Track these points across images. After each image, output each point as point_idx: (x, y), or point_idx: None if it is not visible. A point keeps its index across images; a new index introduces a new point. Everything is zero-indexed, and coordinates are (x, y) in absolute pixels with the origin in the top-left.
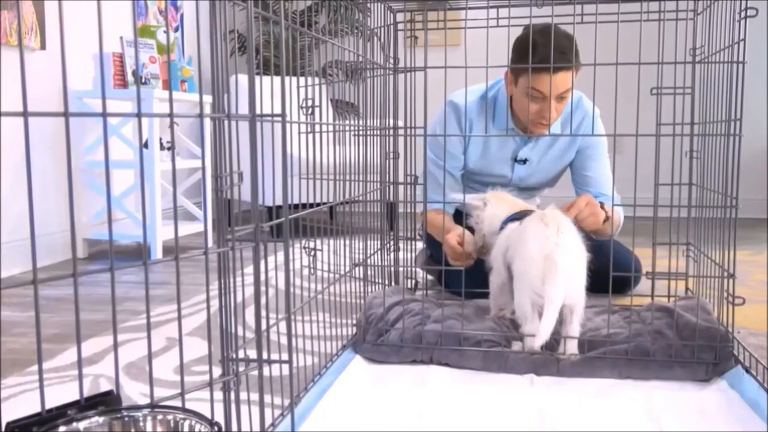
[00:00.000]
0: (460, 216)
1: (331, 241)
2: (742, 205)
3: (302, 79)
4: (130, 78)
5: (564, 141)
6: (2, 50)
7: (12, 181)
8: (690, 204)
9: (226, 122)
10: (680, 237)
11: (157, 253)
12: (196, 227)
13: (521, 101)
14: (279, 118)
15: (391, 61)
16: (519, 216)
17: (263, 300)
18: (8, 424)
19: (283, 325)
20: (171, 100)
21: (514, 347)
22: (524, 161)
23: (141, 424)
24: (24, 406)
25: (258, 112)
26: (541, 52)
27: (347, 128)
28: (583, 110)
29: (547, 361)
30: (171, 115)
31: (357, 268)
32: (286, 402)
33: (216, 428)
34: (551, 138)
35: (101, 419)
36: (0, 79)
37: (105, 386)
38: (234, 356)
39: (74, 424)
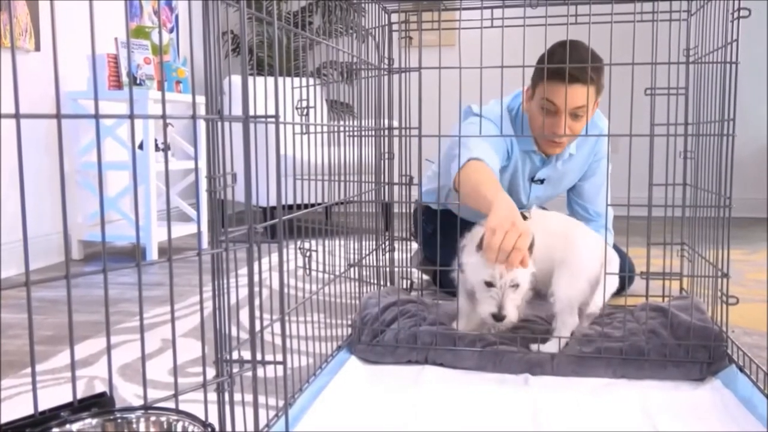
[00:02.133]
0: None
1: (327, 242)
2: (739, 204)
3: (297, 80)
4: (125, 79)
5: (580, 159)
6: None
7: (7, 183)
8: (684, 204)
9: (219, 123)
10: (674, 237)
11: (153, 254)
12: (191, 228)
13: (536, 116)
14: (273, 119)
15: (386, 61)
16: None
17: (257, 301)
18: (1, 426)
19: (277, 326)
20: (164, 102)
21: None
22: (542, 181)
23: (134, 425)
24: (20, 408)
25: (252, 113)
26: (559, 61)
27: (341, 129)
28: (598, 128)
29: (542, 360)
30: (164, 116)
31: (352, 269)
32: (281, 403)
33: (209, 429)
34: (569, 158)
35: (94, 421)
36: None
37: (100, 388)
38: (228, 357)
39: (67, 426)
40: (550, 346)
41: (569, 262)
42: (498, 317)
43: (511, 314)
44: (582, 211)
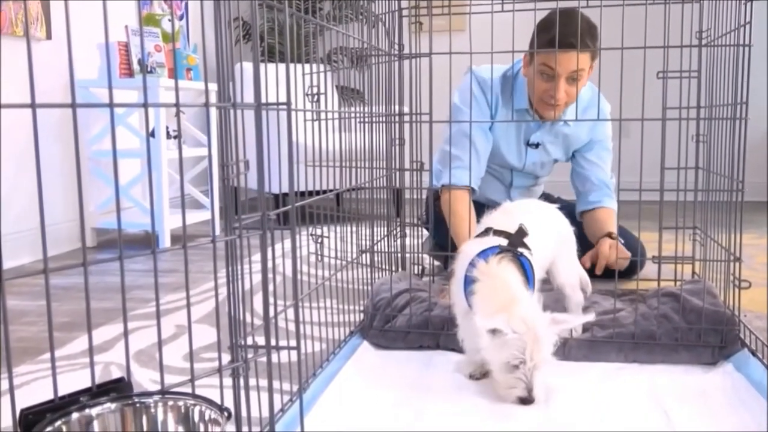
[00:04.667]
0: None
1: (338, 228)
2: (750, 188)
3: (307, 67)
4: (135, 67)
5: (579, 134)
6: (8, 41)
7: (17, 171)
8: (696, 188)
9: (231, 111)
10: (687, 221)
11: (165, 241)
12: (203, 215)
13: (533, 81)
14: (284, 107)
15: (396, 47)
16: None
17: (271, 287)
18: (22, 410)
19: (291, 312)
20: (177, 89)
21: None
22: (536, 145)
23: (152, 410)
24: (36, 393)
25: (263, 100)
26: (556, 29)
27: (353, 115)
28: (602, 113)
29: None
30: (177, 104)
31: (364, 255)
32: (295, 388)
33: (226, 413)
34: (564, 127)
35: (113, 405)
36: (0, 69)
37: (115, 373)
38: (243, 343)
39: (87, 411)
40: (579, 329)
41: (564, 248)
42: (528, 401)
43: (541, 395)
44: (585, 179)
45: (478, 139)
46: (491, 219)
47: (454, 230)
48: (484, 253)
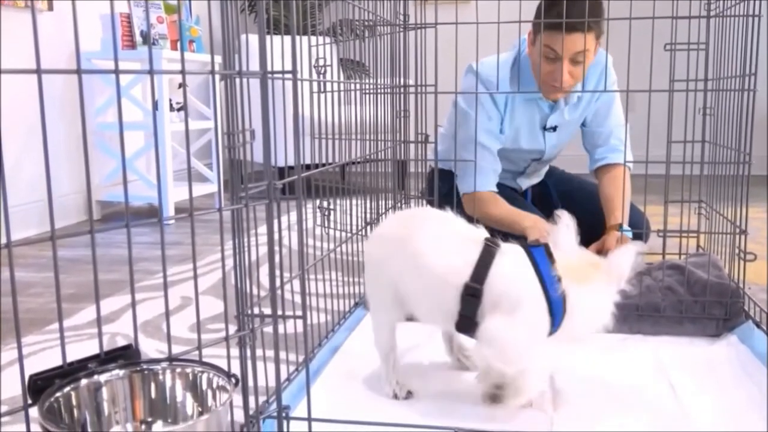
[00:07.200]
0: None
1: (343, 201)
2: (756, 161)
3: (312, 40)
4: (138, 39)
5: (587, 100)
6: (10, 12)
7: (23, 144)
8: (702, 161)
9: (237, 80)
10: (692, 194)
11: (170, 213)
12: (206, 188)
13: (537, 62)
14: (290, 75)
15: (401, 17)
16: None
17: (277, 258)
18: (31, 376)
19: (296, 284)
20: (182, 57)
21: None
22: (554, 128)
23: (160, 376)
24: (44, 363)
25: (269, 69)
26: (559, 8)
27: (358, 87)
28: (600, 64)
29: None
30: (183, 72)
31: (368, 227)
32: (300, 358)
33: (233, 380)
34: (577, 102)
35: (121, 372)
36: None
37: (122, 344)
38: (249, 312)
39: (95, 377)
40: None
41: None
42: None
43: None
44: (592, 134)
45: (488, 142)
46: None
47: (506, 224)
48: None
